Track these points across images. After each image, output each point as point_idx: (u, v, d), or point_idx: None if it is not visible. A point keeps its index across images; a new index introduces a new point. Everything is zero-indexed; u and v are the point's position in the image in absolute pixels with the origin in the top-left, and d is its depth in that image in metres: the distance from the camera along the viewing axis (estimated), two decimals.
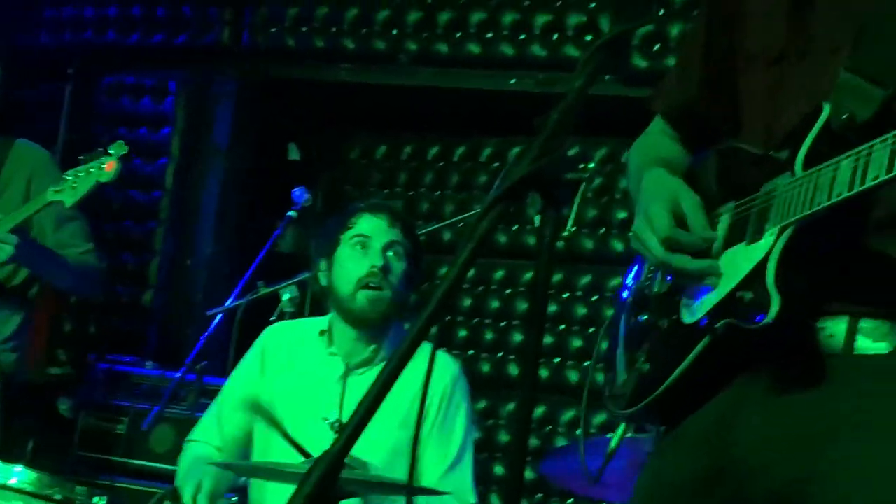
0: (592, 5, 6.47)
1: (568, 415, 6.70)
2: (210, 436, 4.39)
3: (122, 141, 5.11)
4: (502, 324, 7.01)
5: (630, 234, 2.52)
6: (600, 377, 2.74)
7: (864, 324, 2.29)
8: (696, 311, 2.38)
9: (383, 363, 4.16)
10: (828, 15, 2.42)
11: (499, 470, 6.82)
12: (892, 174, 2.03)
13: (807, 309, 2.27)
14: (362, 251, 4.24)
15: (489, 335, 7.03)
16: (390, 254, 4.24)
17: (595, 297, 6.77)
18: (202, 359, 5.53)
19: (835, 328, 2.30)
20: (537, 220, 1.94)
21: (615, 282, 6.42)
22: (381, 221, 4.27)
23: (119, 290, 7.17)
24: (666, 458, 2.55)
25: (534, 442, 6.71)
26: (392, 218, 4.29)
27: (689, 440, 2.45)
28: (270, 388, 4.36)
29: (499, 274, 7.04)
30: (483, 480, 6.82)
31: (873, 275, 2.31)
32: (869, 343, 2.29)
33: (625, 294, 2.65)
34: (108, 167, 5.01)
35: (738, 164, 2.47)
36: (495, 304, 7.03)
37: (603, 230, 6.82)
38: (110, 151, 5.05)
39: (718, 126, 2.69)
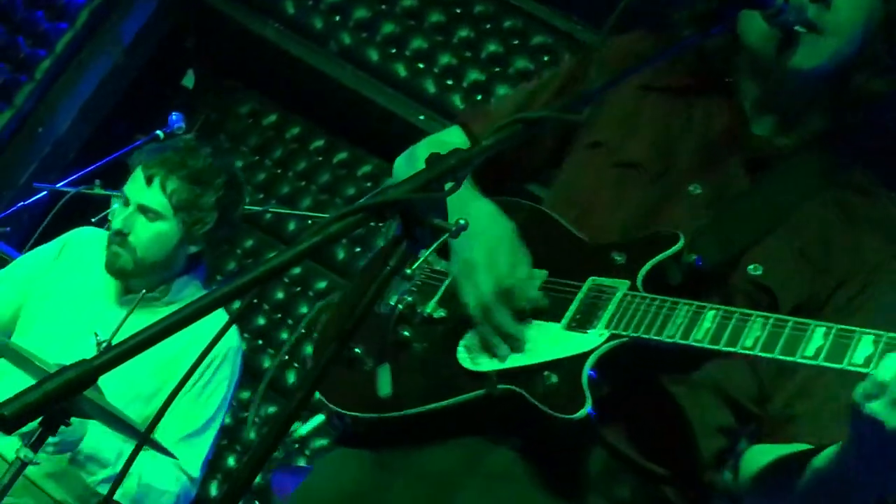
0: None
1: (320, 442, 6.64)
2: None
3: None
4: (302, 330, 6.93)
5: (456, 248, 2.37)
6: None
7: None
8: (479, 360, 2.29)
9: (170, 305, 4.11)
10: (697, 162, 2.47)
11: (231, 462, 6.72)
12: (764, 353, 2.04)
13: (599, 421, 2.19)
14: (122, 207, 4.20)
15: (284, 335, 6.96)
16: (138, 217, 4.16)
17: None
18: (7, 224, 5.38)
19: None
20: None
21: None
22: (139, 179, 4.18)
23: None
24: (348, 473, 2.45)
25: (277, 452, 6.63)
26: (150, 175, 4.16)
27: (403, 479, 2.36)
28: (55, 284, 4.27)
29: (321, 284, 6.98)
30: (212, 465, 6.75)
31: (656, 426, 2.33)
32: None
33: (393, 300, 2.44)
34: None
35: (557, 238, 2.43)
36: (304, 309, 6.96)
37: None
38: None
39: (512, 172, 2.69)
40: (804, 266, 2.37)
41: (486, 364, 2.28)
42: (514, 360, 2.25)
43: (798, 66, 2.36)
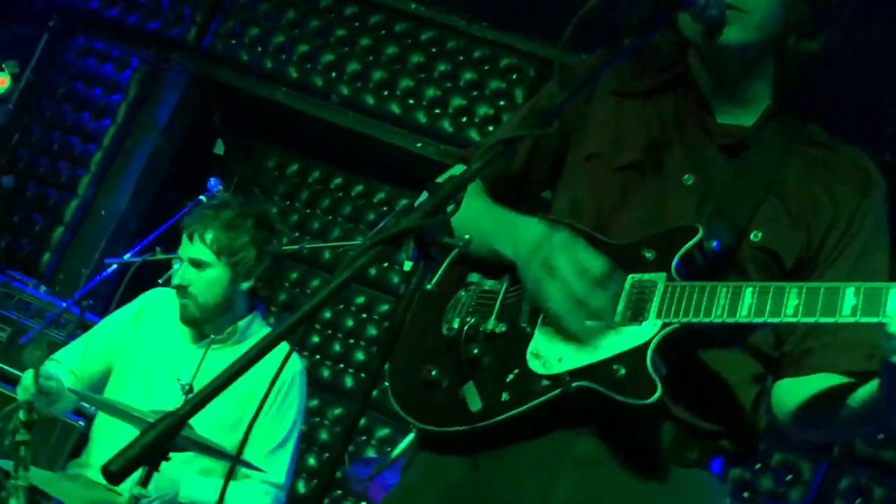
0: (501, 102, 6.53)
1: (382, 431, 6.66)
2: (71, 360, 4.33)
3: (15, 62, 4.96)
4: (350, 340, 6.97)
5: (531, 265, 2.24)
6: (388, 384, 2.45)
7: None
8: (550, 363, 2.25)
9: (239, 344, 4.15)
10: (683, 155, 2.45)
11: (311, 462, 6.76)
12: (807, 318, 2.05)
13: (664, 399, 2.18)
14: (180, 265, 4.29)
15: (337, 347, 6.98)
16: (191, 270, 4.21)
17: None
18: (89, 297, 5.43)
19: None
20: (407, 265, 1.91)
21: None
22: (185, 240, 4.27)
23: (36, 219, 6.99)
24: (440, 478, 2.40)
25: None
26: (191, 233, 4.24)
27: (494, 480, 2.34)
28: (138, 340, 4.32)
29: (360, 299, 7.00)
30: (297, 468, 6.78)
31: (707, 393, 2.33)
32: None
33: (456, 323, 2.39)
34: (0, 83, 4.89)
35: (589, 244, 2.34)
36: (350, 322, 6.99)
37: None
38: (3, 67, 4.93)
39: (522, 193, 2.63)
40: (796, 222, 2.37)
41: (557, 367, 2.24)
42: (582, 360, 2.21)
43: (726, 42, 2.34)
